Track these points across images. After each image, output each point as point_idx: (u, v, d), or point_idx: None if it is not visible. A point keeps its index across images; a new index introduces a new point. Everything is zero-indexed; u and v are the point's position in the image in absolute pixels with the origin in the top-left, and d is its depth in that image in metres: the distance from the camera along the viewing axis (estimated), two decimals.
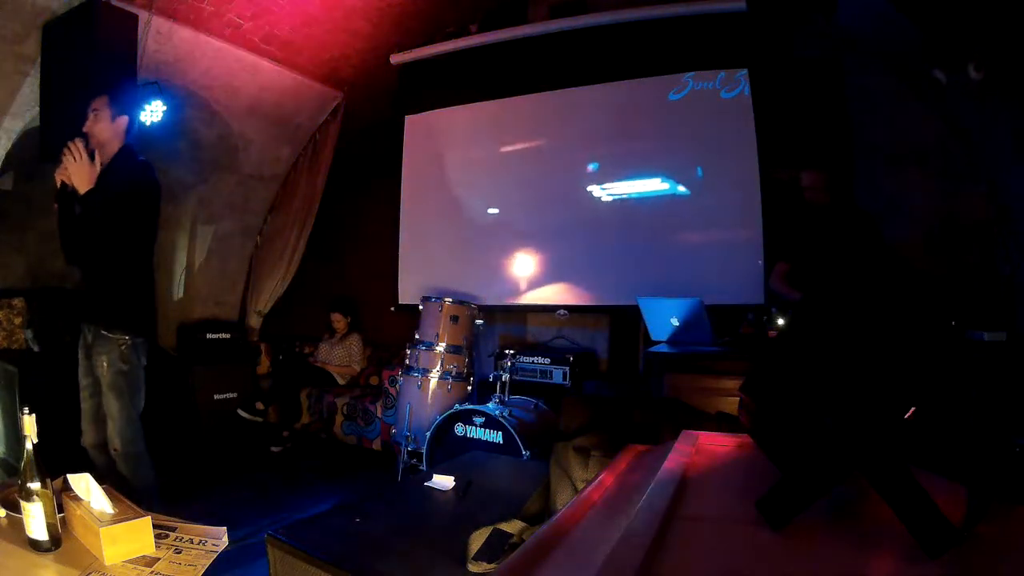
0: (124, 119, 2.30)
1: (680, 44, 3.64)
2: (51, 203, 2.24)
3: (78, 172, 2.15)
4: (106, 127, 2.26)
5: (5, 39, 3.00)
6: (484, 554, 1.31)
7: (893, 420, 0.88)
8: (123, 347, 2.21)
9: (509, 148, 4.23)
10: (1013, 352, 2.40)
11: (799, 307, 2.53)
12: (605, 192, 3.90)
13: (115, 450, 2.22)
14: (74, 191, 2.17)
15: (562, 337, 4.17)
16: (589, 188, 3.93)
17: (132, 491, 1.96)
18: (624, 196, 3.84)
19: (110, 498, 1.35)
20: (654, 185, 3.76)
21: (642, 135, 3.79)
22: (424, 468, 3.14)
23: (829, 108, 3.28)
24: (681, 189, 3.69)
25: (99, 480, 1.39)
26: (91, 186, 2.16)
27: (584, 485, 1.35)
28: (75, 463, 1.64)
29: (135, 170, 2.26)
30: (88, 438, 2.31)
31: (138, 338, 2.25)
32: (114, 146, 2.29)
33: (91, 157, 2.17)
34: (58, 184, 2.18)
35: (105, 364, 2.21)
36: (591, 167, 3.93)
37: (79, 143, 2.16)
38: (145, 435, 2.29)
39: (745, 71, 3.47)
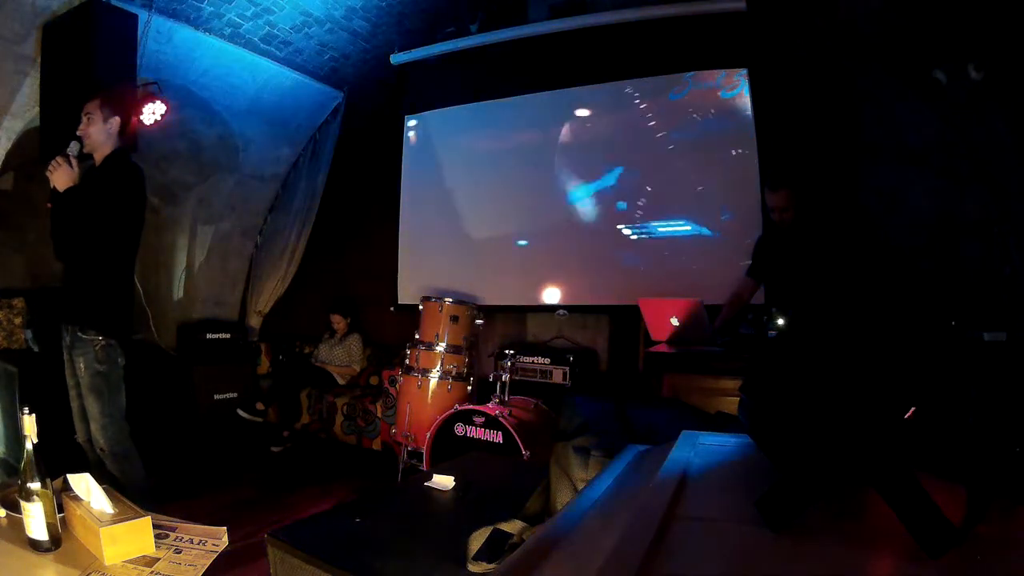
0: (116, 121, 2.31)
1: (680, 44, 3.64)
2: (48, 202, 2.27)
3: (57, 172, 2.19)
4: (99, 130, 2.28)
5: (5, 39, 3.00)
6: (484, 554, 1.31)
7: (893, 420, 0.88)
8: (97, 348, 2.22)
9: (509, 148, 4.23)
10: (1013, 352, 2.40)
11: (797, 309, 2.53)
12: (605, 192, 3.90)
13: (101, 450, 2.23)
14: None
15: (562, 337, 4.16)
16: (589, 188, 3.93)
17: (122, 489, 1.97)
18: (624, 196, 3.84)
19: (110, 498, 1.35)
20: (654, 185, 3.75)
21: (642, 135, 3.79)
22: (424, 468, 3.14)
23: (829, 108, 3.29)
24: (681, 189, 3.69)
25: (97, 476, 1.39)
26: (71, 184, 2.19)
27: (584, 485, 1.35)
28: (75, 463, 1.64)
29: (122, 174, 2.27)
30: (81, 435, 2.33)
31: (112, 339, 2.25)
32: (107, 148, 2.30)
33: (68, 161, 2.20)
34: (52, 184, 2.23)
35: (83, 365, 2.22)
36: (591, 167, 3.93)
37: (60, 158, 2.20)
38: (132, 433, 2.30)
39: (745, 71, 3.48)
